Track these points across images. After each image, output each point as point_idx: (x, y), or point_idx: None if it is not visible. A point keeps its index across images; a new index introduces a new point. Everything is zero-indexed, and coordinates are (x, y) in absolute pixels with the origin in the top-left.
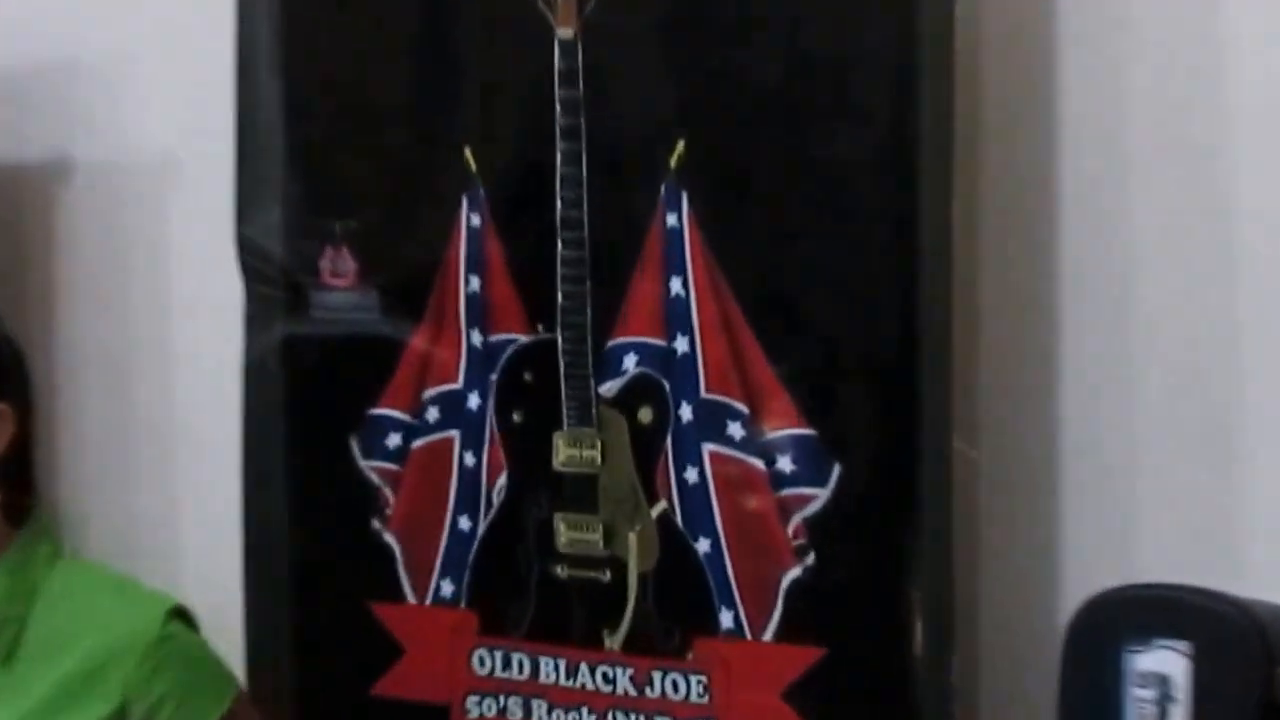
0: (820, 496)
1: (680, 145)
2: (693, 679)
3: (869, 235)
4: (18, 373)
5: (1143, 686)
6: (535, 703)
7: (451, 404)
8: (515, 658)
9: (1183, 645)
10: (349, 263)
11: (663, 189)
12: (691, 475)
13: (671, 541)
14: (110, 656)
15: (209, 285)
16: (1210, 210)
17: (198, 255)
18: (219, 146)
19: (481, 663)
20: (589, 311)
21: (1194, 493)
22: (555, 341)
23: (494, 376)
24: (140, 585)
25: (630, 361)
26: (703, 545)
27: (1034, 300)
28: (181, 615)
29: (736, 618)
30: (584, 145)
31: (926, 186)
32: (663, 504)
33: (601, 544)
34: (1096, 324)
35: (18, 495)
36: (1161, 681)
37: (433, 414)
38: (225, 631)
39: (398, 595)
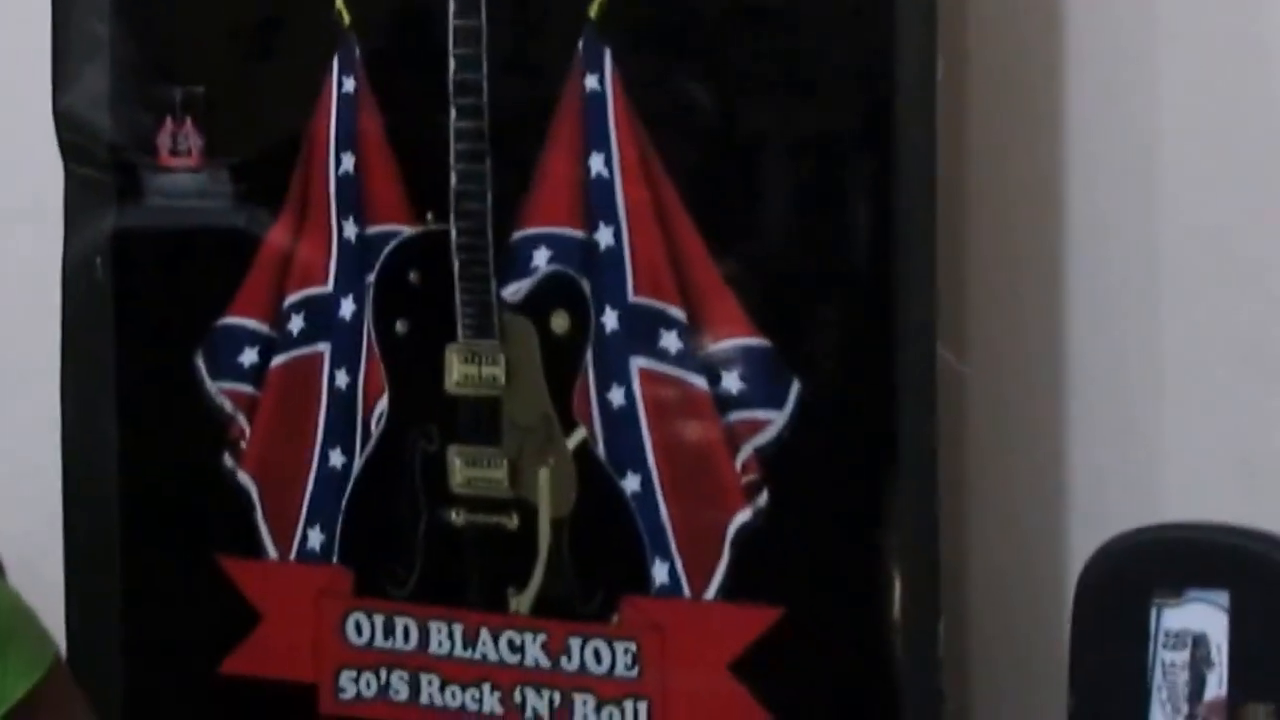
0: (775, 422)
1: None
2: (619, 647)
3: (835, 100)
4: None
5: (1174, 648)
6: (425, 678)
7: (319, 312)
8: (399, 624)
9: (1220, 597)
10: (193, 138)
11: (580, 44)
12: (617, 397)
13: (593, 479)
14: None
15: (16, 167)
16: (1249, 90)
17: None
18: None
19: (358, 630)
20: (489, 197)
21: (1230, 415)
22: (448, 234)
23: (371, 278)
24: None
25: (541, 257)
26: (631, 483)
27: (1035, 185)
28: None
29: (673, 572)
30: None
31: (906, 37)
32: (582, 433)
33: (506, 483)
34: (1112, 212)
35: None
36: (1196, 641)
37: (296, 324)
38: (37, 594)
39: (254, 549)
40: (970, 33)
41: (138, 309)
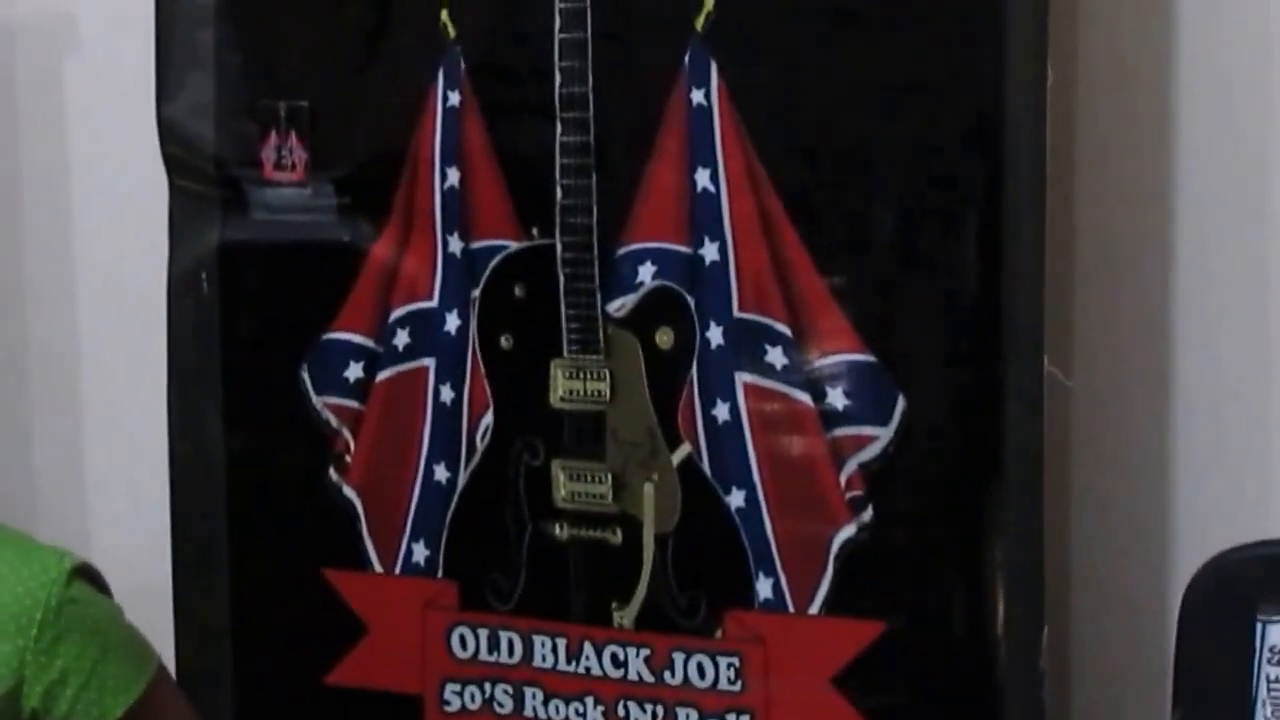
0: (881, 437)
1: (709, 2)
2: (722, 661)
3: (942, 112)
4: None
5: (1278, 663)
6: (529, 691)
7: (424, 326)
8: (504, 637)
9: None
10: (297, 152)
11: (686, 58)
12: (722, 412)
13: (697, 494)
14: (2, 624)
15: (120, 180)
16: None
17: (104, 142)
18: (130, 4)
19: (462, 644)
20: (594, 211)
21: None
22: (553, 248)
23: (476, 292)
24: (34, 541)
25: (646, 272)
26: (735, 499)
27: (1144, 194)
28: (86, 574)
29: (777, 587)
30: (589, 3)
31: (1015, 45)
32: (686, 448)
33: (610, 498)
34: (1221, 223)
35: None
36: None
37: (401, 339)
38: (147, 606)
39: (360, 562)
40: (1081, 40)
41: (244, 323)
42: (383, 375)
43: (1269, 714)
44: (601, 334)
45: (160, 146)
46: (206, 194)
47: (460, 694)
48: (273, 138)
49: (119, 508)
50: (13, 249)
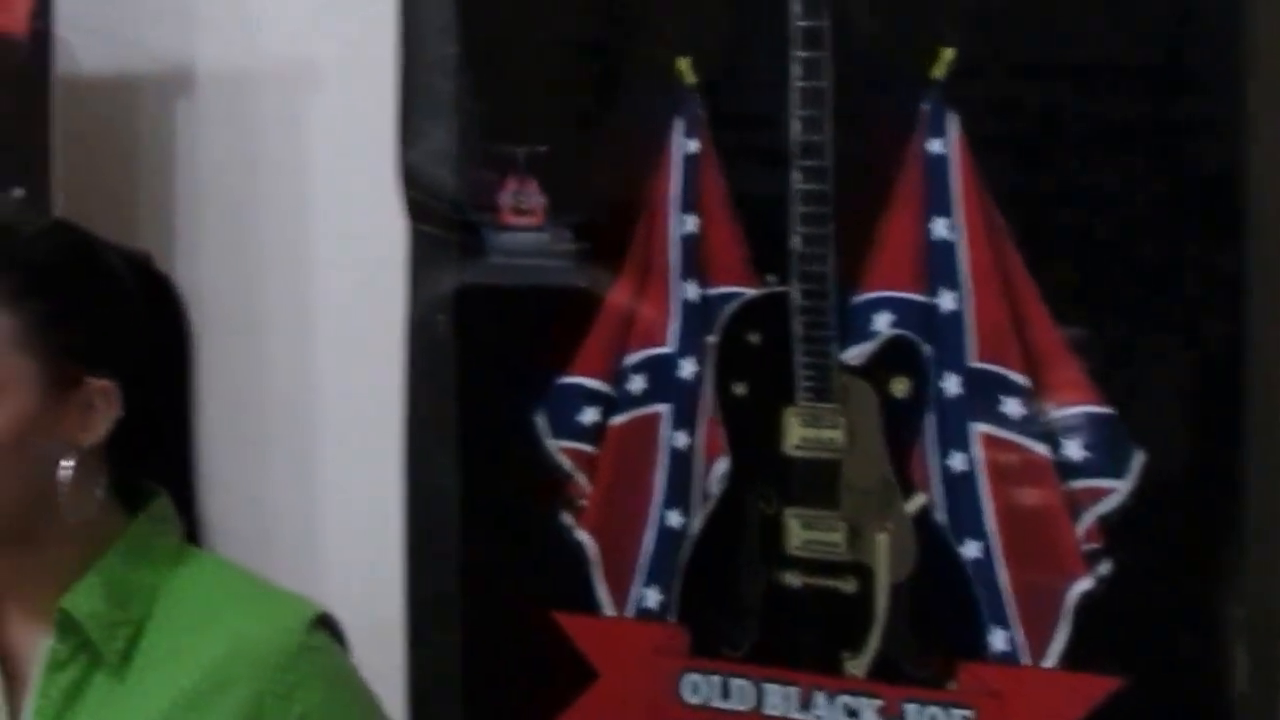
0: (1119, 490)
1: (949, 53)
2: (956, 714)
3: (1183, 162)
4: (134, 340)
5: None
6: None
7: (659, 372)
8: (735, 684)
9: None
10: (535, 197)
11: (926, 107)
12: (957, 463)
13: (931, 544)
14: (242, 668)
15: (360, 223)
16: None
17: (345, 185)
18: (371, 51)
19: (694, 690)
20: (831, 259)
21: None
22: (789, 296)
23: (712, 338)
24: (279, 588)
25: (882, 321)
26: (971, 550)
27: None
28: (327, 624)
29: (1011, 639)
30: (828, 52)
31: (1256, 94)
32: (921, 498)
33: (844, 547)
34: None
35: (132, 475)
36: None
37: (636, 384)
38: (380, 647)
39: (591, 606)
40: None
41: (480, 366)
42: (617, 420)
43: None
44: (837, 382)
45: (401, 191)
46: (445, 238)
47: None
48: (511, 183)
49: (354, 550)
50: (252, 290)
